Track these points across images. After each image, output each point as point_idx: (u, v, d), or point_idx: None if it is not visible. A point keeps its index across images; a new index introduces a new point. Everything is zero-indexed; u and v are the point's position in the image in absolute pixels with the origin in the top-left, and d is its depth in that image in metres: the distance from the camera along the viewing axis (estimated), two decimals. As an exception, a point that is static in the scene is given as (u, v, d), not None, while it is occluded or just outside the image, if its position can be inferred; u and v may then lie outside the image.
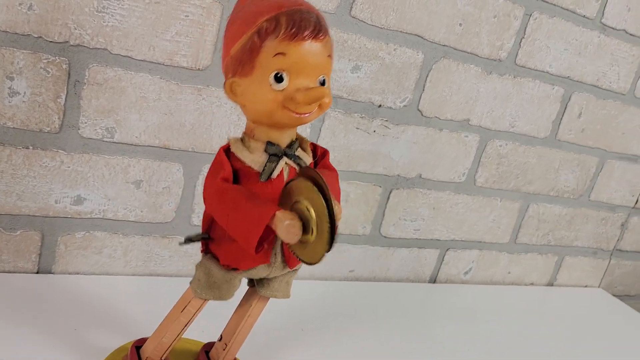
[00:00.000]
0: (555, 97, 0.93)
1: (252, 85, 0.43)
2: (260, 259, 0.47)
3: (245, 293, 0.55)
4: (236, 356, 0.56)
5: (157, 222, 0.71)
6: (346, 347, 0.69)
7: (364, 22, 0.73)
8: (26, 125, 0.61)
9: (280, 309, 0.61)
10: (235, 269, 0.48)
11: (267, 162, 0.45)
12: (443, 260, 0.96)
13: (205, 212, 0.49)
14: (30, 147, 0.61)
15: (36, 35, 0.58)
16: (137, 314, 0.63)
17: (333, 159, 0.78)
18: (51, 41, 0.59)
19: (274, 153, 0.46)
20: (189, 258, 0.75)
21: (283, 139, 0.46)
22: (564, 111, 0.95)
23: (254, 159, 0.45)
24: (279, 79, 0.43)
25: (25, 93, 0.59)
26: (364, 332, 0.74)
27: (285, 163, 0.46)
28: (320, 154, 0.51)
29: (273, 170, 0.45)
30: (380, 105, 0.79)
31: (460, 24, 0.80)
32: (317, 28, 0.43)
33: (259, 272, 0.49)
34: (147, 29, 0.62)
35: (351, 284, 0.88)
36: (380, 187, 0.84)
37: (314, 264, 0.42)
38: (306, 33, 0.42)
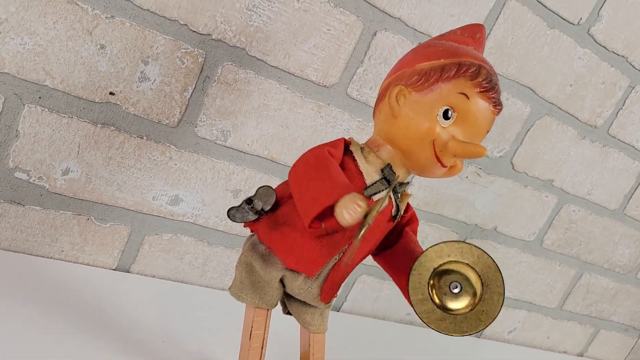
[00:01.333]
0: (634, 171, 0.92)
1: (419, 104, 0.41)
2: (307, 266, 0.43)
3: (300, 329, 0.50)
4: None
5: (243, 236, 0.67)
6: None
7: (487, 66, 0.71)
8: (147, 114, 0.56)
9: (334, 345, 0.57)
10: (276, 260, 0.43)
11: (377, 181, 0.42)
12: (493, 316, 0.93)
13: (279, 188, 0.45)
14: (145, 137, 0.57)
15: (182, 22, 0.54)
16: (209, 328, 0.59)
17: (422, 198, 0.76)
18: (195, 31, 0.55)
19: (388, 177, 0.42)
20: (264, 277, 0.70)
21: (401, 172, 0.43)
22: (637, 186, 0.94)
23: (368, 170, 0.42)
24: (447, 116, 0.40)
25: (155, 80, 0.55)
26: None
27: (390, 195, 0.43)
28: (410, 216, 0.47)
29: (378, 192, 0.42)
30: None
31: (571, 85, 0.78)
32: (499, 99, 0.42)
33: (296, 283, 0.44)
34: (289, 35, 0.59)
35: (405, 327, 0.85)
36: (457, 233, 0.82)
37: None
38: (493, 95, 0.41)
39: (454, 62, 0.41)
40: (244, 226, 0.44)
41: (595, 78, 0.80)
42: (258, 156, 0.63)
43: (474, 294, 0.40)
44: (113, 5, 0.51)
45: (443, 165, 0.42)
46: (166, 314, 0.58)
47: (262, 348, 0.47)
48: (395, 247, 0.46)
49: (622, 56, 0.80)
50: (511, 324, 0.96)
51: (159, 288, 0.63)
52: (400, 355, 0.74)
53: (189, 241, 0.64)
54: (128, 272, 0.62)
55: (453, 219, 0.80)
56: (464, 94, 0.40)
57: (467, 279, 0.40)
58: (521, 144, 0.79)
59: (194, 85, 0.57)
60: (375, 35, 0.63)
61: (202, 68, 0.57)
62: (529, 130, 0.79)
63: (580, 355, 1.10)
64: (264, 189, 0.43)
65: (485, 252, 0.40)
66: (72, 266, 0.59)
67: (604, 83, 0.81)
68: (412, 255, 0.43)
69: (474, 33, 0.44)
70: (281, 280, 0.45)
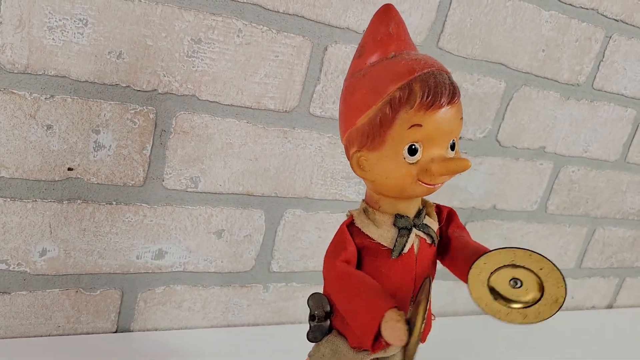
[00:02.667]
0: (628, 119, 0.89)
1: (383, 159, 0.39)
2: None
3: None
4: None
5: (237, 272, 0.67)
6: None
7: (451, 53, 0.69)
8: (110, 180, 0.56)
9: None
10: (366, 350, 0.44)
11: (397, 236, 0.41)
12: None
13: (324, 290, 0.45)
14: (114, 203, 0.57)
15: (124, 85, 0.53)
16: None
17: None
18: (139, 90, 0.54)
19: (404, 226, 0.42)
20: (267, 306, 0.70)
21: (411, 209, 0.42)
22: (635, 133, 0.91)
23: (382, 234, 0.41)
24: (413, 151, 0.38)
25: (110, 146, 0.55)
26: None
27: (415, 235, 0.42)
28: (446, 215, 0.47)
29: (405, 245, 0.41)
30: (460, 138, 0.75)
31: (543, 50, 0.76)
32: (452, 91, 0.38)
33: (390, 352, 0.45)
34: (237, 72, 0.57)
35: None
36: (455, 220, 0.80)
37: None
38: (443, 100, 0.38)
39: (385, 102, 0.38)
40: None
41: (567, 37, 0.77)
42: (233, 194, 0.63)
43: (535, 293, 0.39)
44: (50, 85, 0.50)
45: (437, 186, 0.40)
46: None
47: None
48: (450, 252, 0.45)
49: (592, 9, 0.77)
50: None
51: (164, 339, 0.63)
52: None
53: (183, 289, 0.64)
54: (129, 331, 0.63)
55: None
56: (415, 125, 0.38)
57: (527, 279, 0.39)
58: (503, 119, 0.77)
59: (151, 142, 0.56)
60: (326, 50, 0.61)
61: (156, 123, 0.56)
62: (508, 104, 0.77)
63: (610, 307, 1.08)
64: (313, 298, 0.44)
65: (544, 257, 0.38)
66: (72, 338, 0.59)
67: (578, 40, 0.78)
68: (467, 249, 0.43)
69: (386, 23, 0.41)
70: None
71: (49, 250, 0.56)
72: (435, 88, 0.38)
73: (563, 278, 0.38)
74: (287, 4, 0.57)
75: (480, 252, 0.42)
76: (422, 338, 0.43)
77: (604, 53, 0.81)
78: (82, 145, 0.53)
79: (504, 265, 0.39)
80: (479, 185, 0.80)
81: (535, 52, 0.75)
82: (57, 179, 0.54)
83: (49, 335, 0.59)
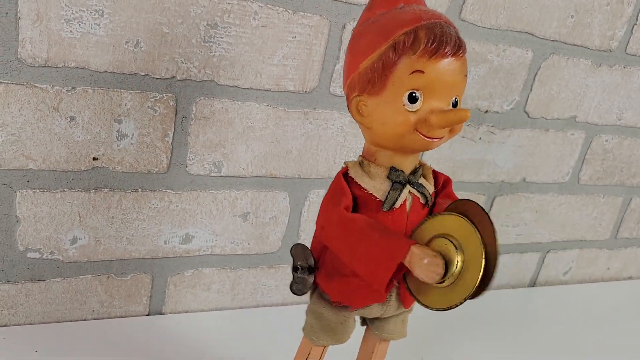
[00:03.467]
0: (664, 84, 0.86)
1: (382, 105, 0.39)
2: (375, 297, 0.43)
3: (363, 337, 0.51)
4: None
5: (264, 253, 0.67)
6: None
7: (474, 24, 0.67)
8: (135, 167, 0.57)
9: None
10: (346, 307, 0.44)
11: (390, 190, 0.41)
12: (543, 262, 0.91)
13: (314, 240, 0.45)
14: (139, 190, 0.58)
15: (143, 74, 0.54)
16: (251, 347, 0.60)
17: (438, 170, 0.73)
18: (158, 78, 0.54)
19: (398, 180, 0.41)
20: (295, 285, 0.71)
21: (407, 165, 0.42)
22: (672, 98, 0.88)
23: (375, 185, 0.41)
24: (413, 99, 0.38)
25: (133, 135, 0.55)
26: (468, 343, 0.70)
27: (409, 191, 0.41)
28: (442, 183, 0.46)
29: (397, 200, 0.41)
30: (486, 111, 0.73)
31: (572, 16, 0.73)
32: (457, 44, 0.38)
33: (372, 311, 0.44)
34: (254, 55, 0.57)
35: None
36: (484, 195, 0.79)
37: (440, 309, 0.37)
38: (447, 49, 0.37)
39: (390, 46, 0.38)
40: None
41: (597, 1, 0.74)
42: (257, 176, 0.63)
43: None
44: (70, 77, 0.51)
45: (438, 138, 0.40)
46: (209, 342, 0.60)
47: None
48: None
49: (624, -30, 0.74)
50: (565, 266, 0.93)
51: (195, 321, 0.65)
52: (454, 322, 0.73)
53: (211, 272, 0.65)
54: (161, 314, 0.65)
55: (476, 182, 0.78)
56: (417, 71, 0.37)
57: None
58: (531, 90, 0.75)
59: (173, 129, 0.57)
60: (344, 27, 0.60)
61: (176, 110, 0.56)
62: (536, 74, 0.74)
63: (648, 276, 1.06)
64: (296, 249, 0.44)
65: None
66: (107, 322, 0.61)
67: (609, 4, 0.75)
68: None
69: None
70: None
71: (79, 238, 0.57)
72: (441, 37, 0.37)
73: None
74: (303, -16, 0.57)
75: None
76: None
77: (637, 16, 0.78)
78: (106, 135, 0.54)
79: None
80: (507, 158, 0.78)
81: (564, 19, 0.73)
82: (83, 169, 0.55)
83: (84, 320, 0.61)
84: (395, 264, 0.36)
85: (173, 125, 0.57)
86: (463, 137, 0.73)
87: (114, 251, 0.59)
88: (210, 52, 0.55)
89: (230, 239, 0.64)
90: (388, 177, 0.41)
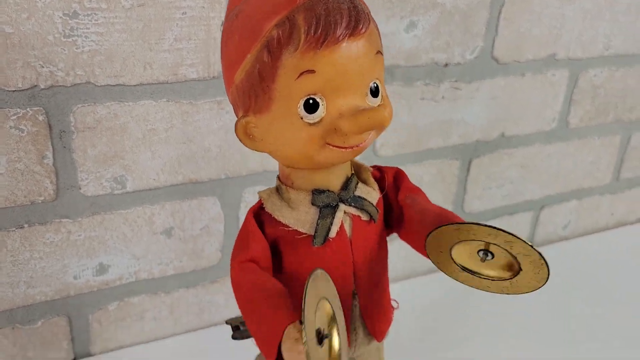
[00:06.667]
0: (657, 0, 0.73)
1: (274, 123, 0.29)
2: None
3: None
4: None
5: (202, 269, 0.58)
6: (453, 341, 0.57)
7: (414, -37, 0.55)
8: (13, 201, 0.47)
9: None
10: None
11: (319, 218, 0.32)
12: (538, 220, 0.81)
13: None
14: (26, 225, 0.48)
15: (-8, 88, 0.43)
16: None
17: (398, 142, 0.63)
18: (15, 90, 0.44)
19: (326, 204, 0.32)
20: (248, 296, 0.62)
21: (333, 179, 0.32)
22: (667, 15, 0.75)
23: (299, 217, 0.32)
24: (311, 107, 0.28)
25: (0, 163, 0.45)
26: (467, 320, 0.62)
27: (345, 212, 0.32)
28: (391, 180, 0.36)
29: (329, 229, 0.32)
30: (446, 64, 0.62)
31: (535, -64, 0.60)
32: (353, 18, 0.27)
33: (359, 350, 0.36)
34: (136, 43, 0.46)
35: (437, 274, 0.74)
36: (457, 160, 0.68)
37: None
38: (339, 32, 0.27)
39: (262, 46, 0.28)
40: None
41: None
42: (173, 185, 0.53)
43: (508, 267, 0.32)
44: None
45: (361, 146, 0.30)
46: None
47: None
48: (404, 224, 0.36)
49: None
50: (563, 219, 0.83)
51: (133, 356, 0.56)
52: (448, 302, 0.64)
53: (141, 300, 0.56)
54: (90, 355, 0.56)
55: (446, 146, 0.67)
56: (306, 72, 0.27)
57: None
58: (497, 32, 0.63)
59: (51, 148, 0.46)
60: (248, -9, 0.49)
61: (50, 125, 0.46)
62: (500, 12, 0.62)
63: (658, 215, 0.96)
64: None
65: (524, 240, 0.30)
66: (25, 376, 0.53)
67: None
68: (425, 219, 0.34)
69: None
70: None
71: (-37, 293, 0.48)
72: (327, 17, 0.27)
73: (542, 257, 0.30)
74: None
75: (442, 218, 0.33)
76: None
77: None
78: (-36, 169, 0.44)
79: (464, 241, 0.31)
80: (479, 114, 0.67)
81: (526, -59, 0.60)
82: (-56, 214, 0.45)
83: (-4, 379, 0.52)
84: (274, 347, 0.27)
85: (50, 143, 0.46)
86: (423, 98, 0.62)
87: (12, 299, 0.50)
88: (76, 48, 0.44)
89: (156, 260, 0.55)
90: (313, 203, 0.32)
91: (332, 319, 0.28)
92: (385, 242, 0.37)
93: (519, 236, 0.29)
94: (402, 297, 0.43)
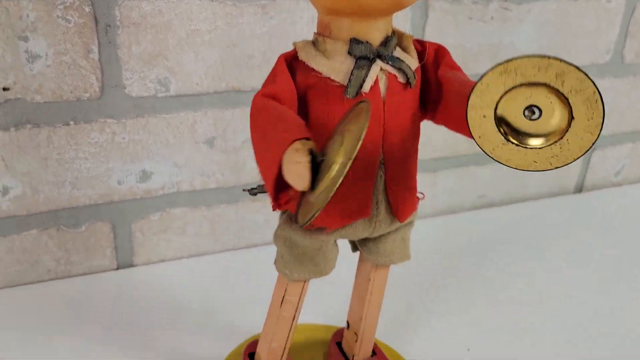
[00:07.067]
0: None
1: None
2: (355, 213, 0.33)
3: (357, 265, 0.41)
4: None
5: (240, 185, 0.57)
6: (490, 286, 0.55)
7: None
8: (59, 95, 0.47)
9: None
10: (321, 229, 0.34)
11: (354, 68, 0.31)
12: (589, 164, 0.78)
13: None
14: (72, 123, 0.48)
15: (40, -26, 0.43)
16: (240, 296, 0.51)
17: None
18: (61, -23, 0.44)
19: (364, 55, 0.31)
20: (289, 218, 0.61)
21: (374, 33, 0.31)
22: None
23: (333, 66, 0.31)
24: None
25: (47, 54, 0.45)
26: (508, 264, 0.59)
27: (381, 68, 0.31)
28: (432, 53, 0.34)
29: (364, 80, 0.31)
30: (496, -18, 0.60)
31: None
32: None
33: (358, 231, 0.34)
34: None
35: (482, 211, 0.72)
36: (505, 88, 0.66)
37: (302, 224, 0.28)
38: None
39: None
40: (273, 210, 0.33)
41: None
42: (216, 92, 0.52)
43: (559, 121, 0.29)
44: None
45: None
46: (191, 294, 0.52)
47: (293, 320, 0.38)
48: (443, 100, 0.34)
49: None
50: (615, 165, 0.80)
51: (173, 270, 0.56)
52: (492, 242, 0.62)
53: (183, 212, 0.56)
54: (133, 266, 0.56)
55: (494, 73, 0.64)
56: None
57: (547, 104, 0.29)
58: (550, -51, 0.61)
59: (97, 42, 0.46)
60: None
61: (96, 18, 0.46)
62: None
63: None
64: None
65: (578, 68, 0.27)
66: (70, 282, 0.53)
67: None
68: (466, 89, 0.31)
69: None
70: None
71: (11, 188, 0.48)
72: None
73: (596, 89, 0.27)
74: None
75: None
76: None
77: None
78: (12, 59, 0.44)
79: (514, 87, 0.28)
80: (529, 39, 0.65)
81: None
82: (-7, 103, 0.45)
83: (41, 281, 0.53)
84: (276, 163, 0.26)
85: (96, 37, 0.46)
86: (470, 18, 0.60)
87: (57, 199, 0.50)
88: (122, -63, 0.44)
89: (198, 170, 0.55)
90: (349, 53, 0.31)
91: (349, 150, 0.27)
92: (419, 121, 0.35)
93: (570, 62, 0.27)
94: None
